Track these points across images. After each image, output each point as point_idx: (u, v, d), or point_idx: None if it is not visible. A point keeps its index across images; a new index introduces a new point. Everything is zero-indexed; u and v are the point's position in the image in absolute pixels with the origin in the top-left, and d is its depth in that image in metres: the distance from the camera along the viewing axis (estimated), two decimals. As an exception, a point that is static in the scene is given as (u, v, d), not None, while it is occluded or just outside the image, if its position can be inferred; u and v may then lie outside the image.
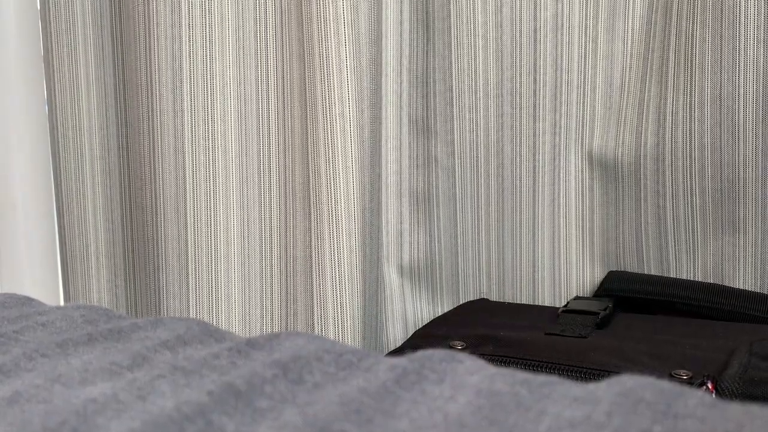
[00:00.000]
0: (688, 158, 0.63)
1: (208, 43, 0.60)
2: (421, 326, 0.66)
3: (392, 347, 0.72)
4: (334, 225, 0.61)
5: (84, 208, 0.69)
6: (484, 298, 0.71)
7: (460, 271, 0.73)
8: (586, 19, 0.66)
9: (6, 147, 0.72)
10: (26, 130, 0.72)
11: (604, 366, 0.48)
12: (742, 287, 0.63)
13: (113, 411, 0.17)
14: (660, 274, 0.66)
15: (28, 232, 0.73)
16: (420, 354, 0.20)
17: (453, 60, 0.68)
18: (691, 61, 0.62)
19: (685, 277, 0.66)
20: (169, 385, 0.18)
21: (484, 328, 0.57)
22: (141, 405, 0.17)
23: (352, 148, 0.60)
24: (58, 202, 0.70)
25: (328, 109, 0.59)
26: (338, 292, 0.61)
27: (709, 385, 0.43)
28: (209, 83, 0.61)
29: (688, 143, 0.63)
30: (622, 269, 0.69)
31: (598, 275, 0.70)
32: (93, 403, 0.18)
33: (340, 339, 0.62)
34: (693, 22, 0.62)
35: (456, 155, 0.70)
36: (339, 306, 0.61)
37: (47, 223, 0.74)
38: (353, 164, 0.60)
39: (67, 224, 0.69)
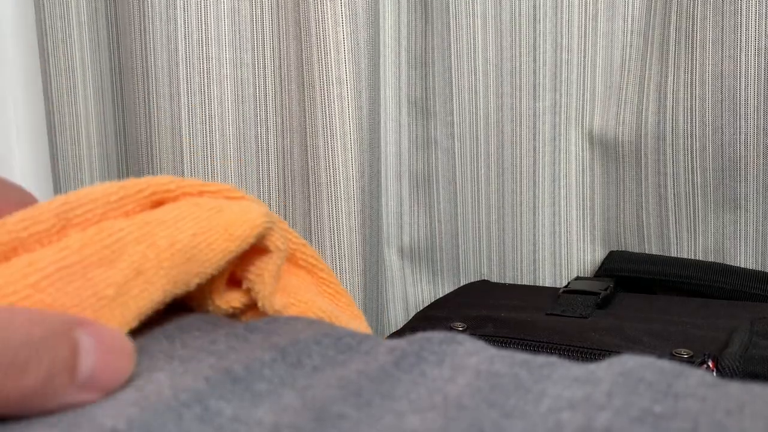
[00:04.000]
0: (689, 137, 0.63)
1: (203, 24, 0.60)
2: (421, 308, 0.66)
3: (393, 329, 0.72)
4: (334, 207, 0.60)
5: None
6: (484, 280, 0.71)
7: (460, 253, 0.73)
8: (585, -3, 0.65)
9: (4, 136, 0.71)
10: (23, 118, 0.72)
11: (605, 346, 0.48)
12: (743, 266, 0.63)
13: (109, 403, 0.17)
14: (661, 254, 0.66)
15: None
16: (419, 336, 0.20)
17: (452, 40, 0.68)
18: (692, 38, 0.61)
19: (686, 257, 0.65)
20: (166, 374, 0.18)
21: (485, 309, 0.57)
22: (137, 395, 0.17)
23: (351, 129, 0.60)
24: (56, 190, 0.70)
25: (326, 91, 0.59)
26: (338, 275, 0.61)
27: (710, 364, 0.44)
28: (205, 66, 0.60)
29: (689, 122, 0.62)
30: (623, 249, 0.69)
31: (599, 255, 0.70)
32: None
33: (341, 321, 0.62)
34: (694, -1, 0.61)
35: (455, 136, 0.70)
36: (339, 289, 0.61)
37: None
38: (352, 146, 0.60)
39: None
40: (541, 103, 0.67)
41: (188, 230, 0.22)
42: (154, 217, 0.22)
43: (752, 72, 0.59)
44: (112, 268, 0.20)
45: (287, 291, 0.25)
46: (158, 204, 0.23)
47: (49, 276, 0.19)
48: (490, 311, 0.56)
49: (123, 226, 0.21)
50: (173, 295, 0.21)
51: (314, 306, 0.25)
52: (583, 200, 0.70)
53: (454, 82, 0.69)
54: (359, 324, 0.29)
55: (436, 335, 0.20)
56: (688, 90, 0.62)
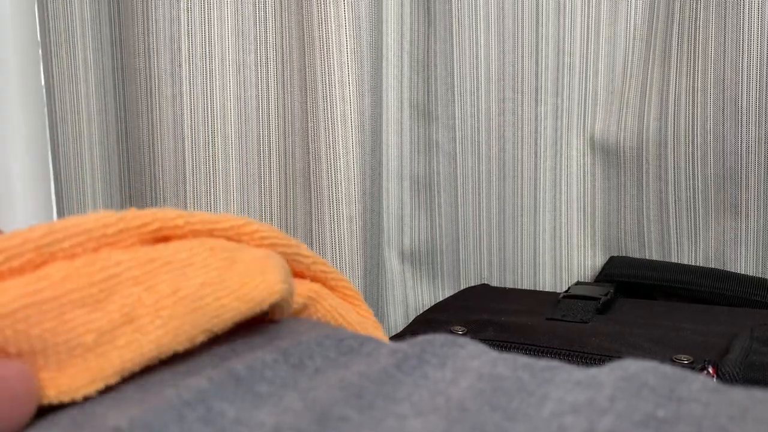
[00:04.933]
0: (690, 143, 0.63)
1: (206, 25, 0.60)
2: (421, 311, 0.66)
3: (393, 333, 0.72)
4: (335, 209, 0.60)
5: (83, 193, 0.69)
6: (485, 284, 0.71)
7: (461, 257, 0.73)
8: (588, 2, 0.66)
9: (3, 134, 0.71)
10: (24, 116, 0.72)
11: (605, 351, 0.48)
12: (743, 272, 0.63)
13: (111, 403, 0.17)
14: (661, 260, 0.66)
15: (27, 220, 0.73)
16: (421, 338, 0.20)
17: (454, 44, 0.68)
18: (695, 44, 0.62)
19: (686, 263, 0.65)
20: (169, 374, 0.18)
21: (485, 314, 0.57)
22: (140, 395, 0.17)
23: (353, 132, 0.60)
24: (57, 188, 0.70)
25: (328, 93, 0.59)
26: (339, 278, 0.61)
27: (710, 370, 0.43)
28: (208, 66, 0.60)
29: (690, 128, 0.63)
30: (624, 254, 0.69)
31: (600, 260, 0.70)
32: (88, 397, 0.18)
33: (341, 324, 0.62)
34: (696, 5, 0.61)
35: (457, 140, 0.70)
36: (340, 291, 0.61)
37: (46, 209, 0.74)
38: (354, 148, 0.60)
39: (66, 210, 0.69)
40: (542, 108, 0.67)
41: (196, 278, 0.19)
42: (159, 254, 0.19)
43: (754, 79, 0.59)
44: (97, 309, 0.17)
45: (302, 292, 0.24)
46: (162, 240, 0.20)
47: (10, 314, 0.15)
48: (491, 315, 0.56)
49: (121, 259, 0.18)
50: (171, 351, 0.18)
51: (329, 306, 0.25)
52: (584, 205, 0.70)
53: (456, 85, 0.69)
54: (376, 333, 0.28)
55: (438, 338, 0.20)
56: (690, 96, 0.62)
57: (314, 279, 0.26)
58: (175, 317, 0.18)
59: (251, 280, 0.20)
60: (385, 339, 0.27)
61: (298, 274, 0.25)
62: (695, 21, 0.61)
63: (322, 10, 0.58)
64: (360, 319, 0.27)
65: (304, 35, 0.60)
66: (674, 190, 0.64)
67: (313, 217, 0.61)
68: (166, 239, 0.20)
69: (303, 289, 0.24)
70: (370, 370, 0.18)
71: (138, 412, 0.16)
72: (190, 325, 0.18)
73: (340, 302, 0.26)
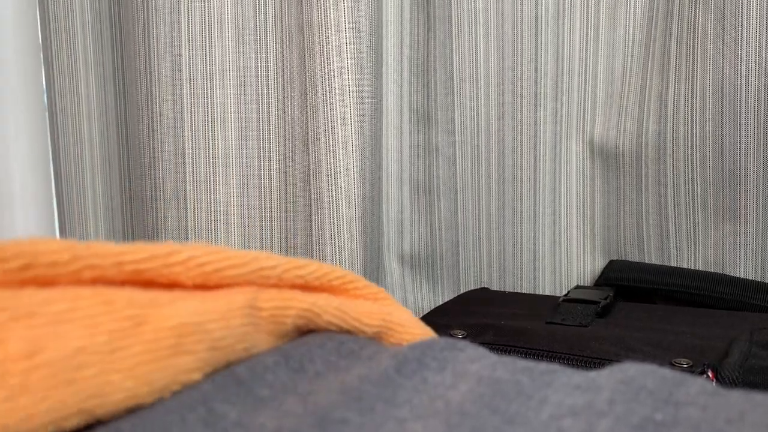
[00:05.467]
0: (689, 147, 0.63)
1: (207, 29, 0.60)
2: (421, 315, 0.66)
3: (393, 336, 0.72)
4: (335, 213, 0.61)
5: (84, 196, 0.69)
6: (484, 288, 0.71)
7: (460, 261, 0.73)
8: (587, 7, 0.66)
9: (4, 136, 0.71)
10: (25, 118, 0.72)
11: (605, 355, 0.48)
12: (742, 276, 0.63)
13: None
14: (661, 263, 0.66)
15: (27, 221, 0.73)
16: (421, 342, 0.20)
17: (454, 48, 0.68)
18: (693, 49, 0.62)
19: (685, 266, 0.66)
20: None
21: (485, 317, 0.57)
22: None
23: (353, 136, 0.60)
24: (57, 191, 0.70)
25: (328, 97, 0.59)
26: (339, 281, 0.61)
27: (710, 374, 0.44)
28: (208, 70, 0.61)
29: (689, 132, 0.63)
30: (623, 258, 0.69)
31: (599, 264, 0.70)
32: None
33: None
34: (695, 10, 0.61)
35: (457, 144, 0.70)
36: (339, 295, 0.61)
37: (47, 212, 0.74)
38: (353, 152, 0.60)
39: (66, 212, 0.69)
40: (542, 112, 0.68)
41: (72, 340, 0.14)
42: (17, 303, 0.13)
43: (752, 83, 0.59)
44: None
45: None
46: (44, 285, 0.15)
47: None
48: (490, 319, 0.56)
49: None
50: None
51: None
52: (584, 209, 0.70)
53: (455, 90, 0.69)
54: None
55: (438, 341, 0.20)
56: (689, 100, 0.62)
57: (293, 287, 0.22)
58: (32, 389, 0.13)
59: (157, 357, 0.15)
60: (405, 312, 0.26)
61: (272, 287, 0.22)
62: (694, 25, 0.62)
63: (322, 15, 0.58)
64: (363, 309, 0.24)
65: (304, 39, 0.60)
66: (673, 193, 0.64)
67: (313, 220, 0.61)
68: (51, 283, 0.14)
69: (291, 311, 0.21)
70: (370, 374, 0.19)
71: (140, 411, 0.16)
72: (58, 401, 0.13)
73: (341, 301, 0.23)
